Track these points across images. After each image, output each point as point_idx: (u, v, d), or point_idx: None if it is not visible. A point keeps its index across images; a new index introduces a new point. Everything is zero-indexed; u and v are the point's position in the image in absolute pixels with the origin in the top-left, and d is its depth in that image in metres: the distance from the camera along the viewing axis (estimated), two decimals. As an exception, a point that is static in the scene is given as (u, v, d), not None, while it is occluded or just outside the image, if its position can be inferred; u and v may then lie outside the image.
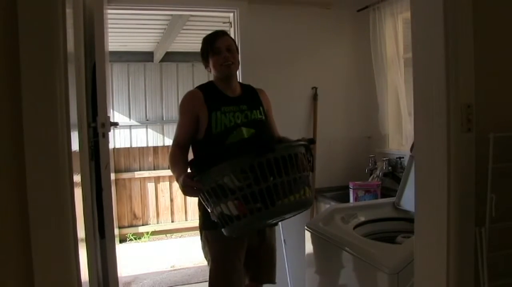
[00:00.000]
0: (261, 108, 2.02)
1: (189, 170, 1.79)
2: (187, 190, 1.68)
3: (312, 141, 1.79)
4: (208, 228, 1.88)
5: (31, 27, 0.99)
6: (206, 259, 1.95)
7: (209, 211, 1.70)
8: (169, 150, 1.92)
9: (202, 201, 1.72)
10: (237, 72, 2.96)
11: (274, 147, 1.58)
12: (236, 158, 1.58)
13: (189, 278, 3.87)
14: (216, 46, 1.93)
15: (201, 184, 1.62)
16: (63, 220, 1.02)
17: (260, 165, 1.54)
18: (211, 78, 2.04)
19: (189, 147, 1.94)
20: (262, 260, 2.01)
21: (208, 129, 1.87)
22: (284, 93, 3.06)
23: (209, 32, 2.02)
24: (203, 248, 1.95)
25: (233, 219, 1.61)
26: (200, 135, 1.90)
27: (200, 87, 1.99)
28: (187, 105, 1.94)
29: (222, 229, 1.68)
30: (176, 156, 1.86)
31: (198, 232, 2.01)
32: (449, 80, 1.19)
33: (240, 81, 2.92)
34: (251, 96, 2.05)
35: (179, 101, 2.02)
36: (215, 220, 1.68)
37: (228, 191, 1.57)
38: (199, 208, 1.94)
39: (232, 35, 2.98)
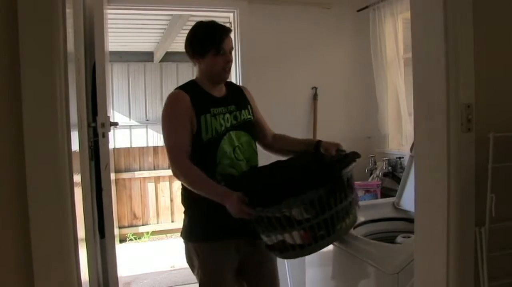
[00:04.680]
0: (249, 107, 1.85)
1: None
2: (240, 216, 1.52)
3: (357, 155, 1.68)
4: (199, 240, 1.73)
5: (31, 27, 0.99)
6: (192, 270, 1.82)
7: (263, 237, 1.61)
8: (176, 162, 1.64)
9: (254, 227, 1.59)
10: (237, 73, 2.99)
11: (341, 175, 1.52)
12: (305, 192, 1.49)
13: (189, 278, 3.84)
14: (222, 47, 1.72)
15: (260, 213, 1.50)
16: (63, 220, 1.02)
17: (327, 194, 1.50)
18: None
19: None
20: (263, 279, 1.86)
21: (197, 135, 1.67)
22: (284, 93, 3.07)
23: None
24: (189, 260, 1.79)
25: (295, 247, 1.57)
26: None
27: (184, 89, 1.75)
28: (177, 107, 1.69)
29: (274, 253, 1.66)
30: (196, 169, 1.61)
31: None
32: (449, 80, 1.18)
33: (240, 81, 2.94)
34: (237, 95, 1.87)
35: None
36: (268, 245, 1.61)
37: (295, 222, 1.52)
38: (185, 214, 1.78)
39: (232, 35, 2.98)
